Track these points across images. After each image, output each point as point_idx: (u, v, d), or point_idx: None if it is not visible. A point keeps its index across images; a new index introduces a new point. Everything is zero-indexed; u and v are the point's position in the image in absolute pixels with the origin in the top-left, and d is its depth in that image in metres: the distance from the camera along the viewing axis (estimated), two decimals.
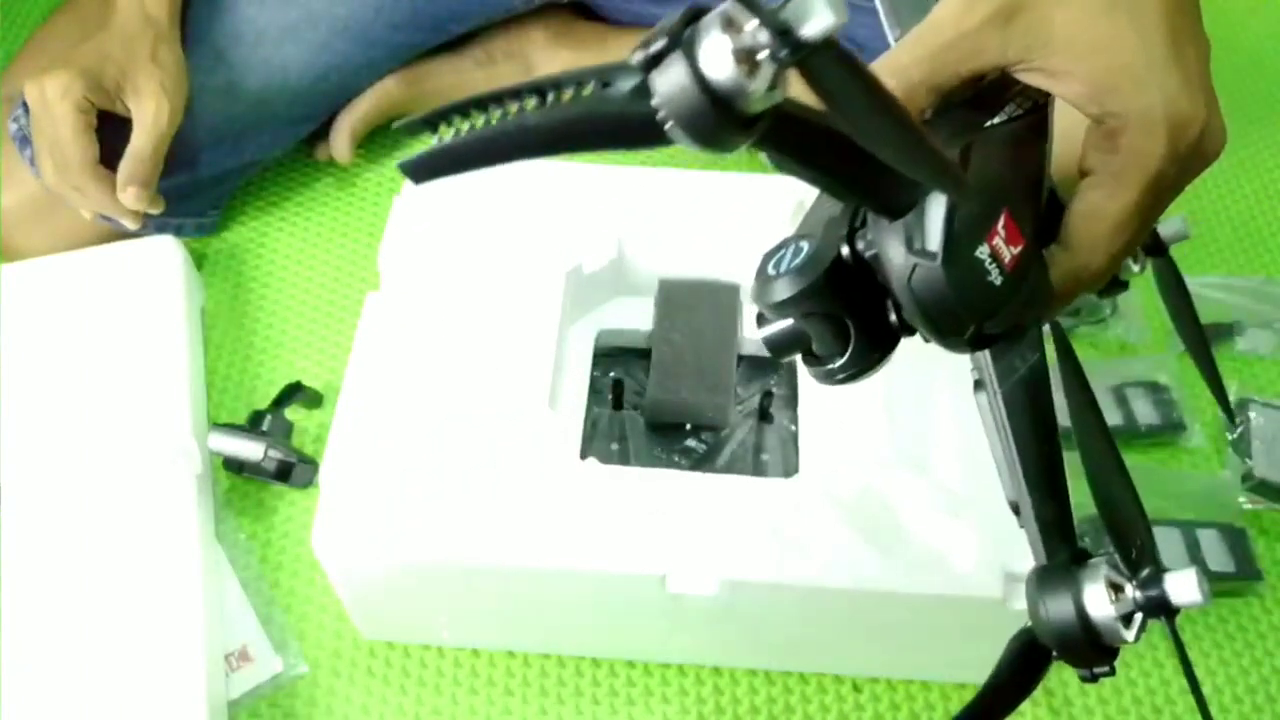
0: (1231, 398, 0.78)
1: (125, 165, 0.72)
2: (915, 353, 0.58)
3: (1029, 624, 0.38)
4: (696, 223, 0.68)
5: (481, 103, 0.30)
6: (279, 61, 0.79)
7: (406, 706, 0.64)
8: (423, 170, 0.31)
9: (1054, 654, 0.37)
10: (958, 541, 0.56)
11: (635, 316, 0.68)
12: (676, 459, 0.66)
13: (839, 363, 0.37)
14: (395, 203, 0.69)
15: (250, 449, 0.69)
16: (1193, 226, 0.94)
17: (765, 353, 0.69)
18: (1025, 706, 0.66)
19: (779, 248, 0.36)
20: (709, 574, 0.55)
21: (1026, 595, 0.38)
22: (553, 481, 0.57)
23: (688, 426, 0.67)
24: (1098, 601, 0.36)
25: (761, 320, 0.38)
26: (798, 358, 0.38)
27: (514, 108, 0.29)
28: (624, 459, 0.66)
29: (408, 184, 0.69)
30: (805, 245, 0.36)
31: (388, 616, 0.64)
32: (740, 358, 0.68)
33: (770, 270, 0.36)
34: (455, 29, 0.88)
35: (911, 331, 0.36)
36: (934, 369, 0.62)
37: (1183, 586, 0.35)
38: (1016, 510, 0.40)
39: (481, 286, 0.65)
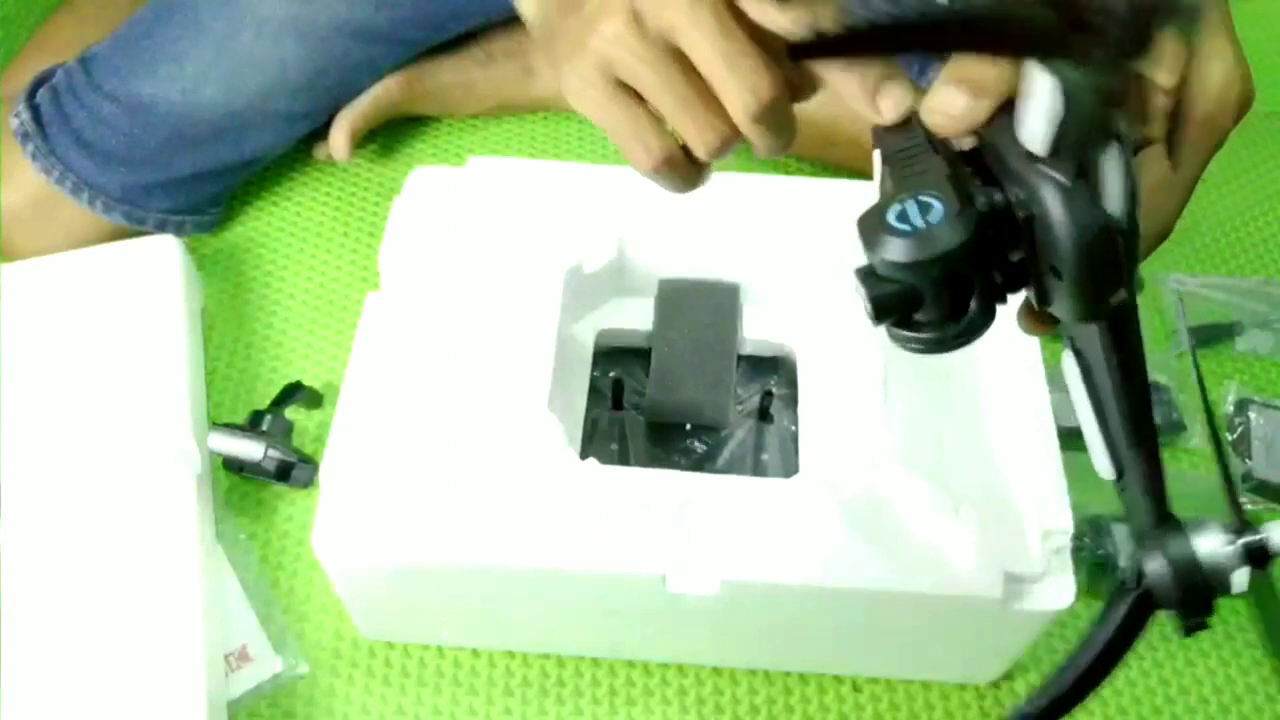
0: (1231, 398, 0.78)
1: None
2: (914, 353, 0.58)
3: (1127, 584, 0.40)
4: (696, 223, 0.68)
5: None
6: (279, 56, 0.79)
7: (406, 706, 0.64)
8: (811, 49, 0.32)
9: (1158, 608, 0.39)
10: (958, 541, 0.56)
11: (635, 316, 0.68)
12: (676, 459, 0.66)
13: (954, 329, 0.35)
14: (395, 203, 0.69)
15: (250, 449, 0.69)
16: (1193, 226, 0.94)
17: (765, 353, 0.70)
18: None
19: (893, 203, 0.34)
20: (709, 574, 0.55)
21: (1137, 553, 0.39)
22: (553, 481, 0.57)
23: (688, 426, 0.67)
24: (1214, 548, 0.38)
25: (872, 281, 0.35)
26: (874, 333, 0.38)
27: None
28: (624, 459, 0.66)
29: (408, 184, 0.69)
30: (936, 201, 0.34)
31: (387, 616, 0.64)
32: (740, 358, 0.68)
33: (901, 225, 0.34)
34: (455, 27, 0.89)
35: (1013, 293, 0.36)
36: (934, 369, 0.62)
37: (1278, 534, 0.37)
38: (1118, 476, 0.40)
39: (481, 286, 0.65)
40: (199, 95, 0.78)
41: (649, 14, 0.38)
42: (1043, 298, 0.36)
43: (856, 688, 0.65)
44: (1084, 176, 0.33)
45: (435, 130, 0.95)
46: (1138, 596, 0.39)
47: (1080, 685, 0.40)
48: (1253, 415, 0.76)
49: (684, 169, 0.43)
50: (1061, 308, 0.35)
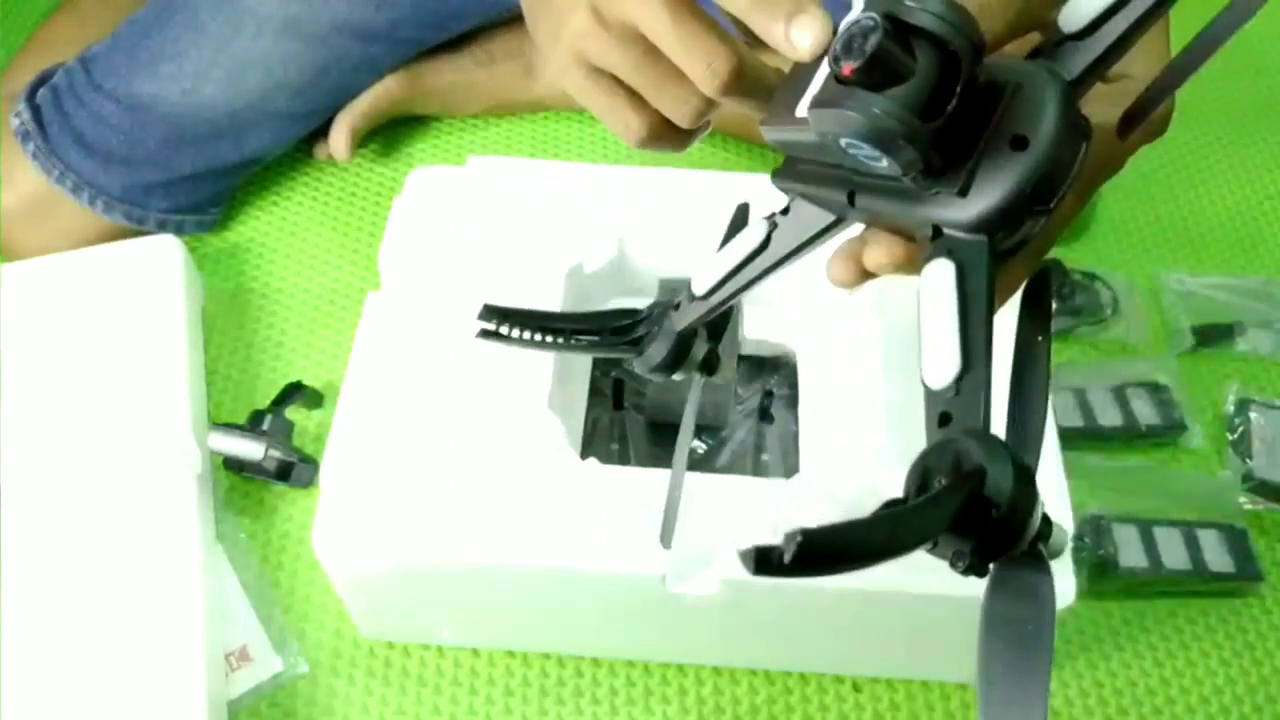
0: (1231, 398, 0.78)
1: None
2: (915, 353, 0.58)
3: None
4: (696, 223, 0.68)
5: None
6: (279, 56, 0.80)
7: (406, 706, 0.64)
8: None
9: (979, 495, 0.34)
10: None
11: None
12: None
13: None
14: (395, 203, 0.69)
15: (250, 449, 0.69)
16: (1193, 226, 0.95)
17: (765, 353, 0.70)
18: None
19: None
20: (709, 574, 0.55)
21: (965, 447, 0.34)
22: (553, 481, 0.57)
23: None
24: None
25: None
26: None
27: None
28: (624, 459, 0.66)
29: (408, 184, 0.69)
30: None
31: (388, 616, 0.64)
32: (740, 358, 0.68)
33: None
34: (455, 27, 0.89)
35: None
36: None
37: None
38: (964, 372, 0.35)
39: (482, 286, 0.65)
40: (199, 95, 0.79)
41: (605, 6, 0.41)
42: (964, 187, 0.34)
43: (856, 688, 0.65)
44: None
45: (435, 130, 0.95)
46: (967, 478, 0.34)
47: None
48: (1253, 415, 0.76)
49: (670, 137, 0.45)
50: (987, 196, 0.34)
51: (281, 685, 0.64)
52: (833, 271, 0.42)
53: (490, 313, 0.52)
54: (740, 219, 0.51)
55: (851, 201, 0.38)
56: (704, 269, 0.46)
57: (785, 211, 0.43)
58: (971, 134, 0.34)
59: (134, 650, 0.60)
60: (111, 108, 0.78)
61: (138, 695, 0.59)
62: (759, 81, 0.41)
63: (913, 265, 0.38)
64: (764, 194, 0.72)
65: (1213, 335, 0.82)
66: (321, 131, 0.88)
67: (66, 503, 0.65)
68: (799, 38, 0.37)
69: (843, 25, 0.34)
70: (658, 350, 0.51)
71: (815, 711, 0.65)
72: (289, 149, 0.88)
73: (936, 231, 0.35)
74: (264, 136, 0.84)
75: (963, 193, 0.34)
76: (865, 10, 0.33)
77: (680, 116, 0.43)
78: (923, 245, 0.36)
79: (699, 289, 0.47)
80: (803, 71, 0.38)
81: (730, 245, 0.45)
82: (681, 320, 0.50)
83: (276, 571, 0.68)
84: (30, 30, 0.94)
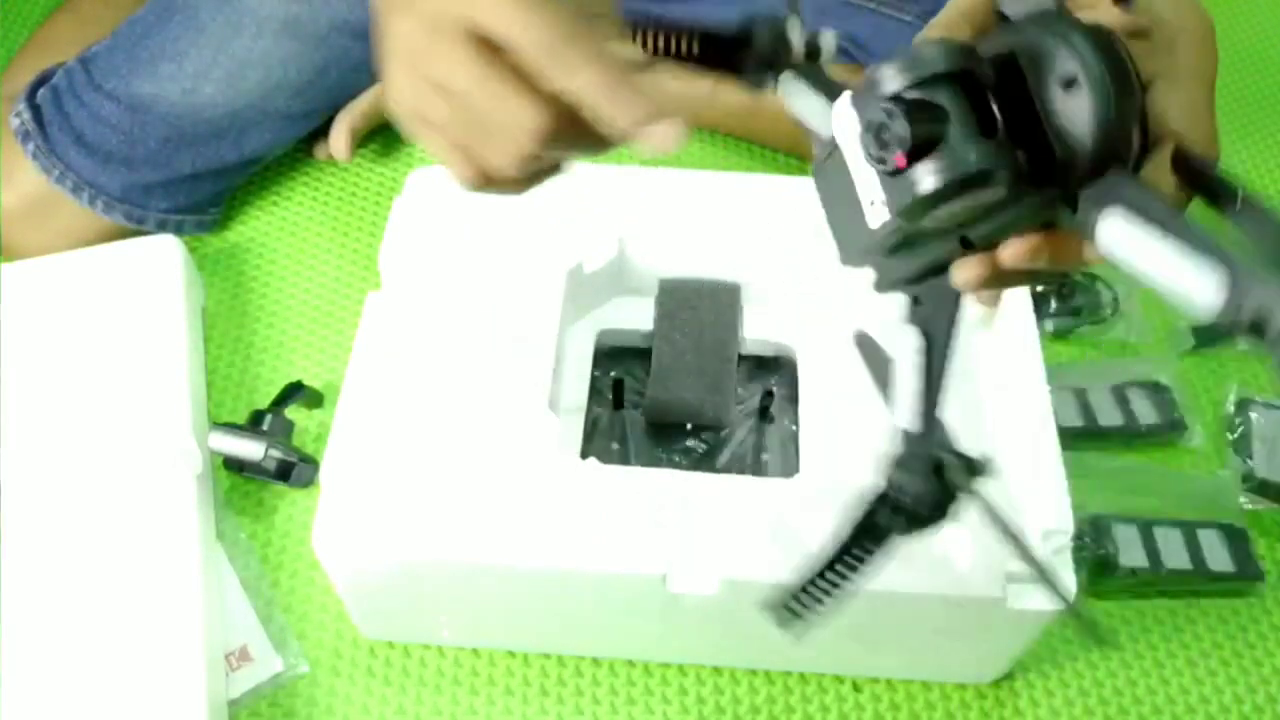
0: (1231, 398, 0.78)
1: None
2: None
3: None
4: (696, 223, 0.68)
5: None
6: (279, 55, 0.79)
7: (406, 706, 0.64)
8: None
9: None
10: (958, 541, 0.56)
11: (635, 316, 0.68)
12: (677, 459, 0.66)
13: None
14: (396, 203, 0.69)
15: (251, 448, 0.69)
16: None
17: (766, 353, 0.70)
18: (1025, 707, 0.66)
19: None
20: (709, 574, 0.55)
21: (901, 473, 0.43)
22: (553, 481, 0.57)
23: (688, 426, 0.67)
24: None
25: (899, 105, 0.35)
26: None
27: None
28: (624, 459, 0.66)
29: (408, 184, 0.69)
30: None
31: (388, 616, 0.64)
32: (741, 357, 0.68)
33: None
34: None
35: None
36: None
37: None
38: (923, 432, 0.42)
39: (482, 286, 0.65)
40: (199, 95, 0.79)
41: (422, 62, 0.41)
42: (1060, 152, 0.35)
43: (856, 688, 0.65)
44: None
45: None
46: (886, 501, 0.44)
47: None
48: (1253, 415, 0.76)
49: (504, 184, 0.44)
50: (1082, 130, 0.34)
51: (281, 685, 0.64)
52: (962, 277, 0.39)
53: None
54: (869, 346, 0.50)
55: (966, 244, 0.38)
56: (902, 410, 0.43)
57: (917, 302, 0.43)
58: (1027, 115, 0.35)
59: (134, 650, 0.60)
60: (111, 108, 0.78)
61: (138, 695, 0.59)
62: (579, 137, 0.41)
63: (1050, 249, 0.37)
64: (764, 194, 0.72)
65: (1213, 335, 0.82)
66: (321, 131, 0.88)
67: (67, 503, 0.65)
68: (653, 144, 0.39)
69: (843, 128, 0.36)
70: (913, 483, 0.43)
71: (815, 711, 0.65)
72: (289, 149, 0.88)
73: (1068, 201, 0.35)
74: (264, 136, 0.84)
75: (1065, 156, 0.35)
76: (853, 104, 0.36)
77: (499, 170, 0.42)
78: (1062, 225, 0.37)
79: (913, 427, 0.43)
80: (838, 200, 0.39)
81: (901, 374, 0.43)
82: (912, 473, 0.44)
83: (276, 571, 0.68)
84: (30, 30, 0.94)
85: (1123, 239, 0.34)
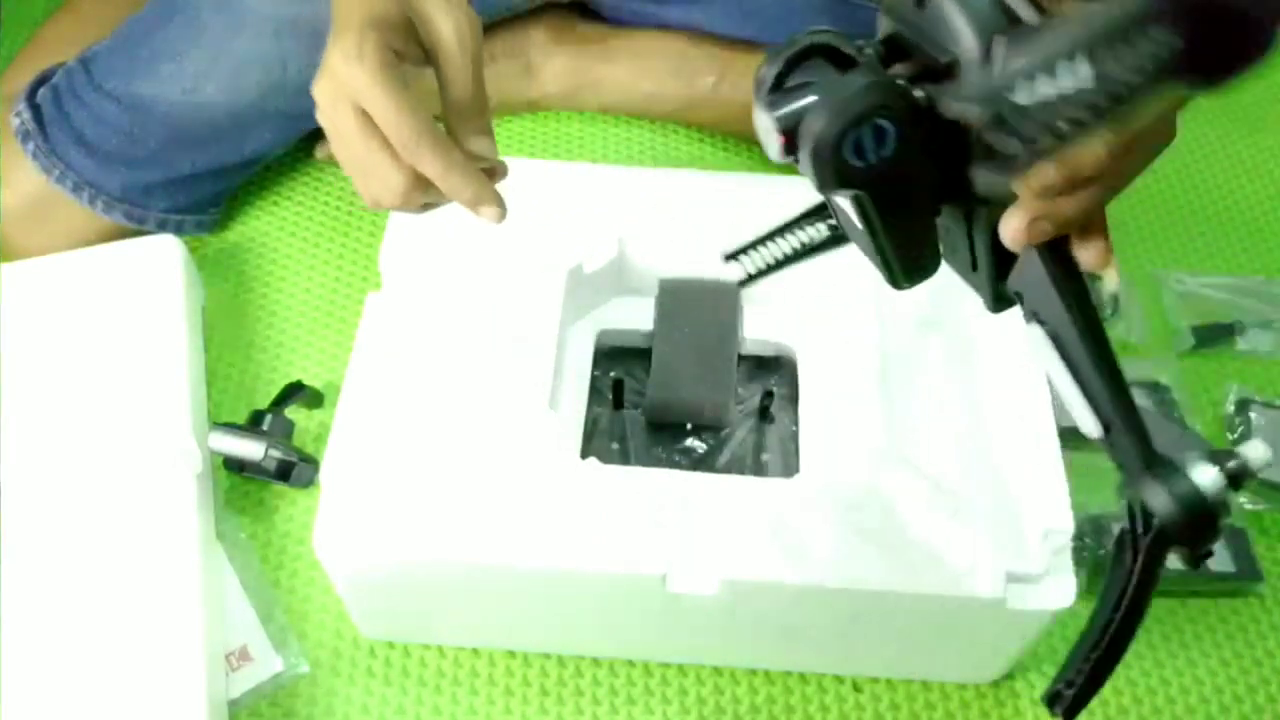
0: (1231, 398, 0.78)
1: (452, 112, 0.54)
2: (914, 353, 0.58)
3: (1133, 531, 0.40)
4: (696, 223, 0.68)
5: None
6: (279, 56, 0.79)
7: (407, 706, 0.64)
8: None
9: (1172, 544, 0.39)
10: (958, 541, 0.56)
11: (635, 316, 0.68)
12: (677, 459, 0.66)
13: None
14: None
15: (251, 448, 0.69)
16: (1193, 226, 0.94)
17: (766, 353, 0.70)
18: (1025, 707, 0.66)
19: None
20: (709, 574, 0.55)
21: (1137, 496, 0.39)
22: (553, 481, 0.57)
23: (688, 426, 0.67)
24: (1209, 477, 0.38)
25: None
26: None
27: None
28: (624, 459, 0.66)
29: None
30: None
31: (387, 616, 0.64)
32: (741, 358, 0.68)
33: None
34: None
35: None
36: (934, 369, 0.62)
37: (1255, 452, 0.38)
38: (1106, 431, 0.40)
39: (482, 286, 0.65)
40: (199, 95, 0.78)
41: (323, 102, 0.52)
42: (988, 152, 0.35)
43: (856, 688, 0.65)
44: None
45: None
46: (1154, 537, 0.39)
47: (1115, 645, 0.41)
48: (1253, 415, 0.76)
49: (398, 205, 0.53)
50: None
51: (281, 685, 0.64)
52: (1009, 233, 0.40)
53: (730, 257, 0.53)
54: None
55: (981, 203, 0.40)
56: (1083, 419, 0.42)
57: (1021, 299, 0.43)
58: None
59: (134, 650, 0.60)
60: (111, 108, 0.78)
61: (138, 695, 0.59)
62: (439, 193, 0.52)
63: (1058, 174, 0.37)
64: (764, 194, 0.72)
65: (1213, 335, 0.82)
66: (321, 131, 0.88)
67: (67, 502, 0.65)
68: (481, 219, 0.53)
69: (814, 131, 0.37)
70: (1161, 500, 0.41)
71: (815, 711, 0.65)
72: (289, 149, 0.88)
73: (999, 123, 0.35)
74: (264, 136, 0.84)
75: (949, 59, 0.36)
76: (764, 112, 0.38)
77: (383, 204, 0.52)
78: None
79: (1094, 431, 0.42)
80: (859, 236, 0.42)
81: (1055, 379, 0.43)
82: None
83: (276, 571, 0.68)
84: (30, 30, 0.94)
85: (1035, 345, 0.40)
